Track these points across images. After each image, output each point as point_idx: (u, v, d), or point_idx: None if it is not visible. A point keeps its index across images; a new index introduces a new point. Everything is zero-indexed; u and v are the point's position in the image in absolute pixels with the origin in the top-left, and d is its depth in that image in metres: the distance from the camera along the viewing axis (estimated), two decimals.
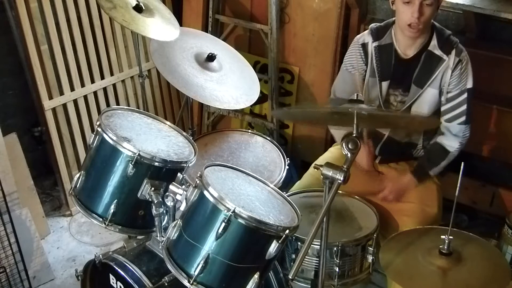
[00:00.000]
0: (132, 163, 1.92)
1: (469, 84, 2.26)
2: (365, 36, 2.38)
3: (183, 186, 1.95)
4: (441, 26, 2.30)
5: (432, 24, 2.26)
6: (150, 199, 1.96)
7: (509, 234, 2.63)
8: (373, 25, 2.38)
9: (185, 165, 2.03)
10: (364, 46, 2.37)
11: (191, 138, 2.22)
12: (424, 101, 2.31)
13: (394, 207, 2.33)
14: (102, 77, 3.27)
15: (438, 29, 2.28)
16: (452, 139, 2.31)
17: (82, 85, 3.18)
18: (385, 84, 2.35)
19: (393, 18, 2.32)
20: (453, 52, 2.24)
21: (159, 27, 2.52)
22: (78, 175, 2.06)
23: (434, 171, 2.35)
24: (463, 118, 2.28)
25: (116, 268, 1.99)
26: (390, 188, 2.32)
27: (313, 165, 2.12)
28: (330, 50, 3.15)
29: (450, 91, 2.26)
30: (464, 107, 2.26)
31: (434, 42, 2.25)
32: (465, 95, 2.26)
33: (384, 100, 2.36)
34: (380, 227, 2.15)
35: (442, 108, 2.31)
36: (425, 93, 2.29)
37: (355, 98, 1.82)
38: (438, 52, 2.25)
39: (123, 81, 3.38)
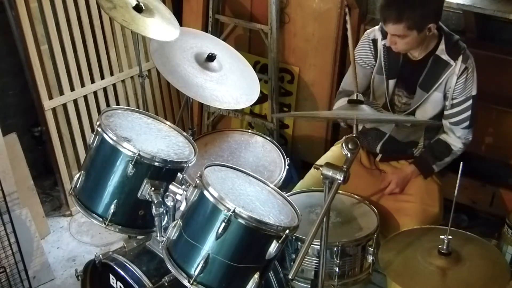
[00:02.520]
0: (132, 163, 1.92)
1: (474, 91, 2.26)
2: (375, 32, 2.37)
3: (183, 186, 1.95)
4: (450, 31, 2.27)
5: (440, 28, 2.24)
6: (150, 199, 1.96)
7: (509, 234, 2.63)
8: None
9: (185, 165, 2.03)
10: (374, 41, 2.36)
11: (191, 138, 2.22)
12: (429, 105, 2.31)
13: (394, 207, 2.33)
14: (102, 77, 3.27)
15: (447, 33, 2.25)
16: (455, 139, 2.33)
17: (82, 85, 3.18)
18: (392, 82, 2.34)
19: None
20: (460, 58, 2.22)
21: (159, 27, 2.52)
22: (78, 175, 2.06)
23: (438, 166, 2.36)
24: (467, 123, 2.29)
25: (116, 268, 1.99)
26: (395, 181, 2.35)
27: (314, 165, 2.12)
28: (330, 50, 3.15)
29: (455, 97, 2.26)
30: (469, 113, 2.27)
31: (442, 46, 2.24)
32: (470, 102, 2.26)
33: (390, 99, 2.37)
34: (381, 227, 2.15)
35: (446, 112, 2.31)
36: (431, 97, 2.29)
37: (355, 98, 1.83)
38: (445, 57, 2.23)
39: (123, 81, 3.38)
